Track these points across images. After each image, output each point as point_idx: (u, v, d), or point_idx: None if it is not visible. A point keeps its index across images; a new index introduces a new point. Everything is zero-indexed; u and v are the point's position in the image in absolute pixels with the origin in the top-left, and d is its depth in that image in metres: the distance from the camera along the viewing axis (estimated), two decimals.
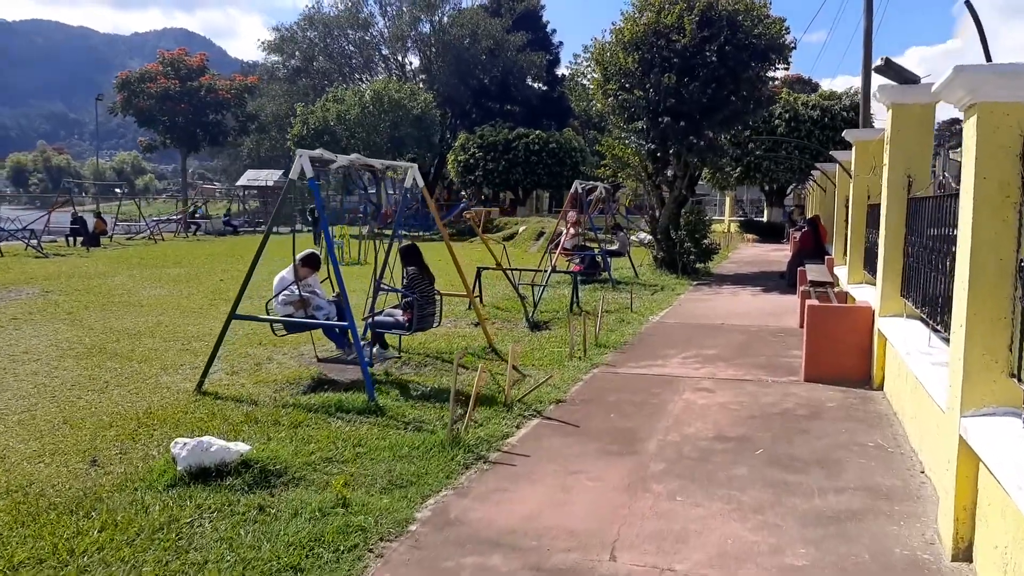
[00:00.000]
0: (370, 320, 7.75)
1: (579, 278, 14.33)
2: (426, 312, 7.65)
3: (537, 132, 39.39)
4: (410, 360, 8.51)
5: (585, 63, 56.56)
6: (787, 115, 28.91)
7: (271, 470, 4.87)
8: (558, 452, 5.48)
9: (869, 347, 7.55)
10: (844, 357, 7.55)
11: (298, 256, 7.54)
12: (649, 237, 20.31)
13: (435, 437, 5.58)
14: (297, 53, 51.43)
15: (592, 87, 22.75)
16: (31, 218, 25.95)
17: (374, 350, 7.77)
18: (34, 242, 22.18)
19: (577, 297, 12.40)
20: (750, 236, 35.01)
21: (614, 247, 18.65)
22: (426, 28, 50.06)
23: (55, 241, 26.08)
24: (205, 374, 7.02)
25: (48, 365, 8.00)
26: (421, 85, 45.91)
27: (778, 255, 24.21)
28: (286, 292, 7.44)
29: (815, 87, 37.98)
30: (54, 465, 5.09)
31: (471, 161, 39.90)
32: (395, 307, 8.10)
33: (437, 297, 7.82)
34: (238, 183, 52.86)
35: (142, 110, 39.26)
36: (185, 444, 4.76)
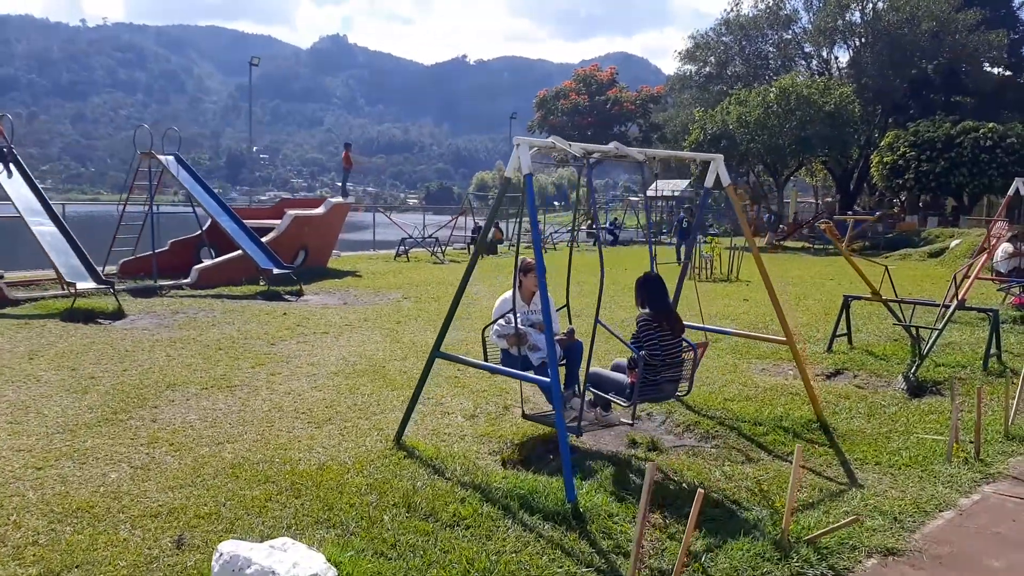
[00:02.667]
0: (588, 372, 5.58)
1: (1004, 318, 10.12)
2: (661, 378, 5.23)
3: (990, 125, 31.74)
4: (688, 425, 6.17)
5: None
6: None
7: None
8: None
9: None
10: None
11: (521, 266, 5.80)
12: None
13: None
14: (711, 59, 49.77)
15: None
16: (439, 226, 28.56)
17: (595, 411, 5.63)
18: (431, 249, 24.08)
19: (998, 347, 8.46)
20: None
21: None
22: (855, 16, 44.35)
23: (458, 248, 28.33)
24: (404, 424, 5.64)
25: (304, 382, 7.47)
26: (842, 79, 40.66)
27: None
28: (502, 321, 5.74)
29: None
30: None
31: (900, 162, 33.84)
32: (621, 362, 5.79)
33: (686, 356, 5.39)
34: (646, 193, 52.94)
35: (554, 126, 41.37)
36: (220, 556, 3.33)
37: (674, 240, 24.86)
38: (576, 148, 4.89)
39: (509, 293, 5.83)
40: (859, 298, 9.43)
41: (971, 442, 5.53)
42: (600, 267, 5.07)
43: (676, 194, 48.95)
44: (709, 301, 14.29)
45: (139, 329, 10.52)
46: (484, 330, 5.89)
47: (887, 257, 26.27)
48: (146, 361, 8.39)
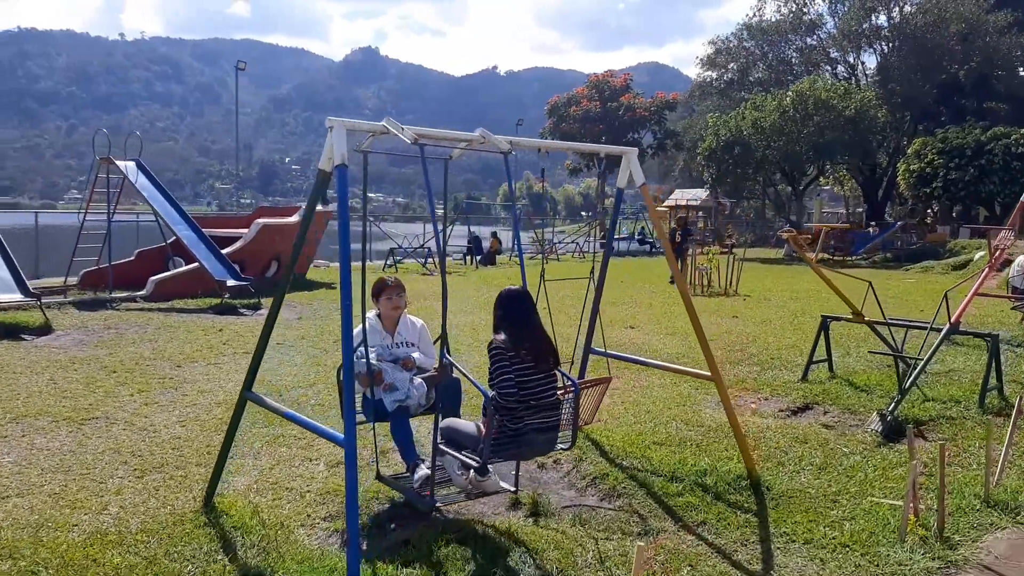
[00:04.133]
0: (440, 426, 4.38)
1: (1020, 341, 8.81)
2: (524, 426, 4.01)
3: (1023, 131, 29.97)
4: (594, 478, 5.03)
5: None
6: None
7: None
8: None
9: None
10: None
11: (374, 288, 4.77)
12: None
13: None
14: (732, 65, 48.33)
15: None
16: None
17: (468, 476, 4.35)
18: (423, 260, 23.10)
19: (999, 378, 7.16)
20: None
21: None
22: (882, 20, 42.69)
23: (457, 259, 27.30)
24: (215, 482, 4.55)
25: (175, 415, 6.45)
26: (866, 83, 39.03)
27: None
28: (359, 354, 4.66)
29: None
30: None
31: (927, 170, 32.12)
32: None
33: (555, 396, 4.15)
34: (665, 203, 51.81)
35: (566, 133, 40.21)
36: None
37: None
38: (408, 133, 3.81)
39: (367, 321, 4.77)
40: (838, 318, 8.17)
41: (931, 509, 4.31)
42: (443, 290, 3.94)
43: (696, 203, 47.55)
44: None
45: (53, 347, 9.64)
46: (339, 371, 4.76)
47: (908, 269, 24.72)
48: (23, 386, 7.46)
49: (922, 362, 6.66)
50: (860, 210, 49.62)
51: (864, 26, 43.05)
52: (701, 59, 50.25)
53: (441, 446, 4.10)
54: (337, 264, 24.58)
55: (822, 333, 8.10)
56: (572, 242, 31.81)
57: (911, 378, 6.60)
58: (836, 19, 46.40)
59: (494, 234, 27.86)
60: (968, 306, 7.42)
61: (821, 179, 54.80)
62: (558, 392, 4.18)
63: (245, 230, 16.71)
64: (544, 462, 5.47)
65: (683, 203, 46.56)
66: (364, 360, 4.39)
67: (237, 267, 15.60)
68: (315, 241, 18.96)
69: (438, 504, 4.22)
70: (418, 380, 4.65)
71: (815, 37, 47.86)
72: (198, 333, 10.77)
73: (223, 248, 15.41)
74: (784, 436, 6.04)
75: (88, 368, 8.32)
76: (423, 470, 4.29)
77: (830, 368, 8.27)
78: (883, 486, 4.94)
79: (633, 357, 5.93)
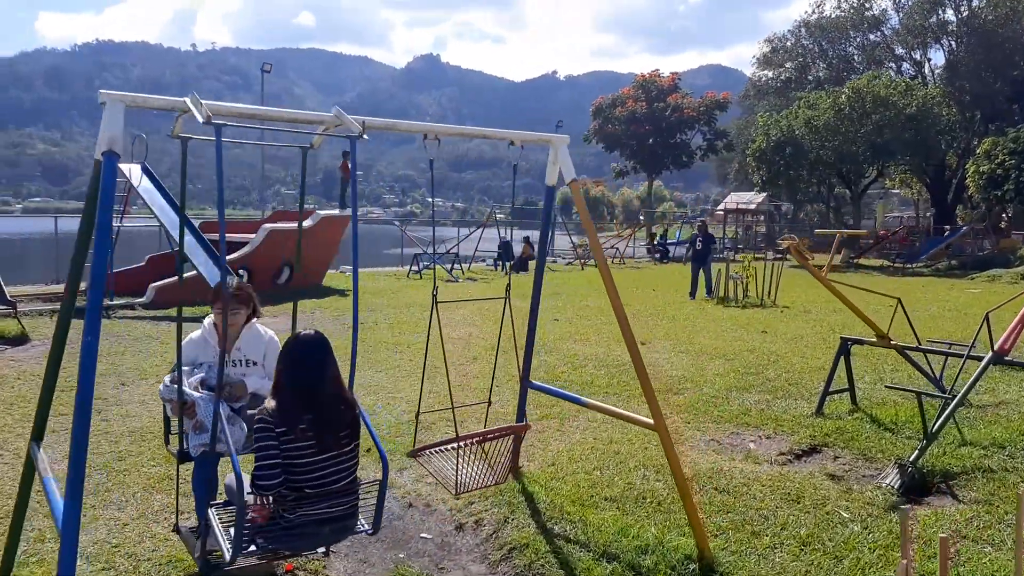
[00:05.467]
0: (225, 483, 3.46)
1: None
2: (301, 518, 3.04)
3: None
4: (514, 548, 4.01)
5: None
6: None
7: None
8: None
9: None
10: None
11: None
12: None
13: None
14: (788, 64, 46.32)
15: None
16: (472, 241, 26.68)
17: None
18: (448, 266, 22.25)
19: None
20: None
21: None
22: (949, 15, 40.20)
23: (488, 265, 26.38)
24: (10, 559, 3.69)
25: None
26: (933, 81, 36.71)
27: None
28: (193, 375, 3.73)
29: None
30: None
31: (999, 172, 29.81)
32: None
33: (349, 479, 3.18)
34: (719, 208, 50.03)
35: (610, 135, 38.89)
36: None
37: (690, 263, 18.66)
38: (204, 110, 2.89)
39: (197, 332, 3.88)
40: (861, 342, 6.92)
41: None
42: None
43: (751, 207, 45.66)
44: (720, 329, 11.85)
45: (15, 359, 9.12)
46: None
47: (973, 278, 22.75)
48: None
49: (954, 400, 5.43)
50: (929, 214, 46.98)
51: (930, 21, 40.65)
52: (757, 58, 48.41)
53: (211, 512, 3.19)
54: (374, 269, 24.05)
55: (841, 358, 6.88)
56: (611, 247, 30.51)
57: (940, 419, 5.37)
58: (900, 14, 44.06)
59: (526, 239, 26.84)
60: (1020, 329, 6.11)
61: (887, 181, 52.09)
62: (353, 475, 3.18)
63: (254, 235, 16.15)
64: (464, 522, 4.48)
65: (739, 207, 44.77)
66: (178, 385, 3.47)
67: (245, 274, 15.06)
68: (330, 247, 18.32)
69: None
70: (243, 418, 3.71)
71: (878, 33, 45.56)
72: (171, 345, 10.10)
73: (231, 254, 14.87)
74: (774, 492, 4.91)
75: (29, 385, 7.69)
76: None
77: (852, 400, 7.04)
78: (881, 572, 3.79)
79: (568, 394, 4.87)
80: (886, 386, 6.97)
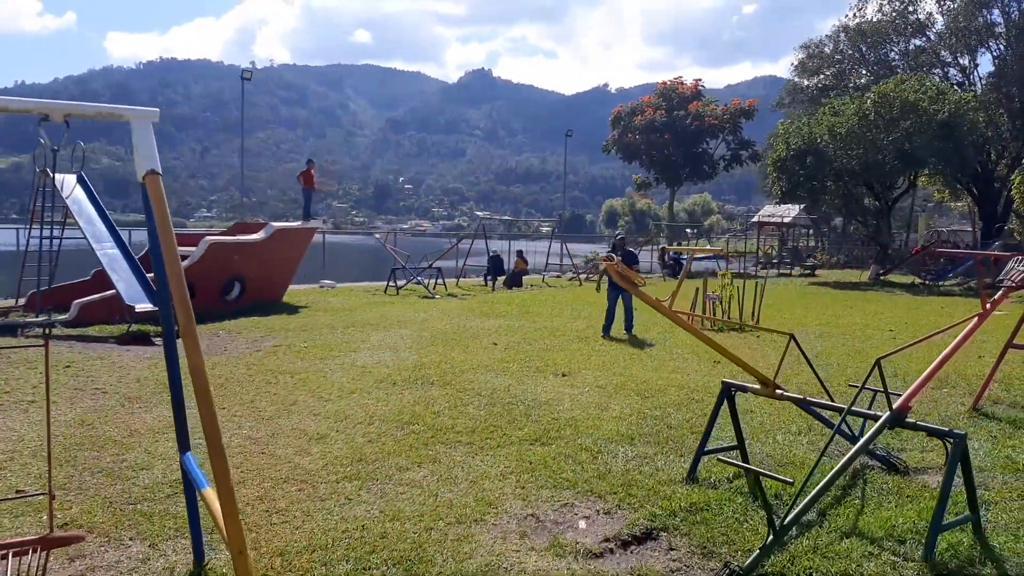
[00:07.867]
0: None
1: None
2: None
3: None
4: None
5: None
6: None
7: None
8: None
9: None
10: None
11: None
12: None
13: None
14: (827, 71, 44.13)
15: None
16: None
17: None
18: (426, 281, 21.07)
19: (974, 509, 4.32)
20: None
21: None
22: (995, 16, 37.70)
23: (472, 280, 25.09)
24: None
25: None
26: (981, 87, 34.27)
27: None
28: None
29: None
30: None
31: None
32: None
33: None
34: (752, 220, 47.99)
35: (629, 144, 37.30)
36: None
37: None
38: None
39: None
40: (744, 388, 5.44)
41: None
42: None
43: (786, 221, 43.54)
44: (668, 358, 10.20)
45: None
46: None
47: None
48: None
49: (815, 488, 3.97)
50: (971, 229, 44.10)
51: (976, 22, 38.15)
52: (794, 64, 46.26)
53: None
54: (353, 284, 23.05)
55: (723, 403, 5.44)
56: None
57: (792, 514, 3.91)
58: (946, 17, 41.56)
59: (520, 253, 25.51)
60: (930, 380, 4.59)
61: (936, 193, 49.14)
62: None
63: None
64: None
65: (776, 220, 42.70)
66: None
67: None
68: (288, 261, 17.32)
69: None
70: None
71: (923, 38, 43.08)
72: (33, 372, 9.12)
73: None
74: None
75: None
76: None
77: (743, 458, 5.57)
78: None
79: None
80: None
